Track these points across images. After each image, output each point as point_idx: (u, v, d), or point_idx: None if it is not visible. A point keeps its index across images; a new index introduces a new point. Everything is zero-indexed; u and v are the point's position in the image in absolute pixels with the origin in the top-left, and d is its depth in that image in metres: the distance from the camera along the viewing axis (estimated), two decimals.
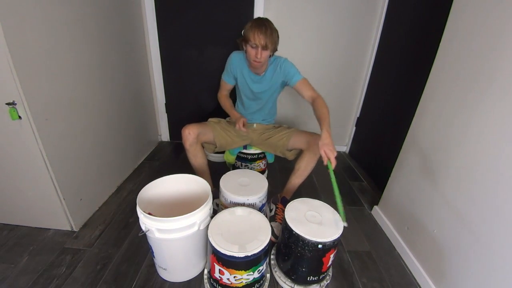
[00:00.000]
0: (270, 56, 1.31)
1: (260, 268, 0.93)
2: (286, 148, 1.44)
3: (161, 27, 1.93)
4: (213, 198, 1.39)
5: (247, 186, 1.23)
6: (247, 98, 1.46)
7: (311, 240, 0.92)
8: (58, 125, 1.15)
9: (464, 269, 0.93)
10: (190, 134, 1.30)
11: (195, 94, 2.18)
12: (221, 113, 1.62)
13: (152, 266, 1.12)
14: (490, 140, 0.86)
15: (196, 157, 1.38)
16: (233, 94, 1.58)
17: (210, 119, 1.53)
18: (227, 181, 1.26)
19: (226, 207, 1.21)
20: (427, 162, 1.16)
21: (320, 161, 2.13)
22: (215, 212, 1.38)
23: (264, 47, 1.18)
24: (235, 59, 1.38)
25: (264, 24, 1.18)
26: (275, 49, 1.26)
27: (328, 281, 1.10)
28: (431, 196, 1.12)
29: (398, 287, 1.12)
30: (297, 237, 0.95)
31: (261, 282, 1.02)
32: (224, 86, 1.50)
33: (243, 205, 1.16)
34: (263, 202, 1.24)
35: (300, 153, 1.38)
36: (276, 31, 1.22)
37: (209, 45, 1.98)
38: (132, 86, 1.81)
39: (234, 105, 1.58)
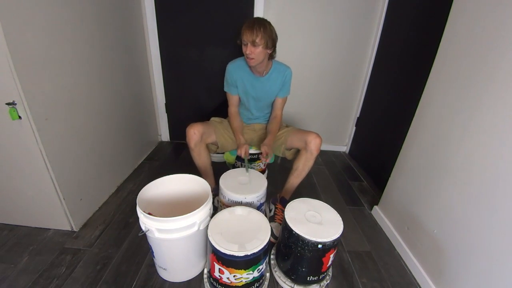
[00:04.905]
0: (271, 55, 1.31)
1: (260, 267, 0.93)
2: (285, 147, 1.44)
3: (161, 27, 1.93)
4: (215, 195, 1.42)
5: (246, 185, 1.23)
6: (248, 101, 1.46)
7: (311, 240, 0.92)
8: (58, 125, 1.15)
9: (463, 269, 0.93)
10: (195, 133, 1.29)
11: (195, 94, 2.18)
12: (221, 113, 1.62)
13: (152, 266, 1.12)
14: (490, 140, 0.86)
15: (200, 156, 1.38)
16: None
17: (212, 119, 1.53)
18: (227, 179, 1.26)
19: (224, 204, 1.21)
20: (427, 162, 1.16)
21: (319, 161, 2.14)
22: (216, 209, 1.39)
23: (253, 43, 1.18)
24: (231, 68, 1.39)
25: (253, 22, 1.19)
26: (270, 46, 1.24)
27: (328, 281, 1.10)
28: (431, 196, 1.12)
29: (398, 287, 1.12)
30: (297, 237, 0.95)
31: (261, 281, 1.02)
32: (230, 98, 1.47)
33: (240, 203, 1.16)
34: (261, 201, 1.24)
35: (298, 152, 1.38)
36: (271, 28, 1.22)
37: (209, 45, 1.98)
38: (132, 86, 1.81)
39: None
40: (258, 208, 1.23)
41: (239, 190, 1.18)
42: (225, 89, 1.45)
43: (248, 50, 1.20)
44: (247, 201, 1.17)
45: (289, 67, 1.40)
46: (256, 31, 1.16)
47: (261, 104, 1.47)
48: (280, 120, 1.50)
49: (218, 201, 1.43)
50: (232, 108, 1.48)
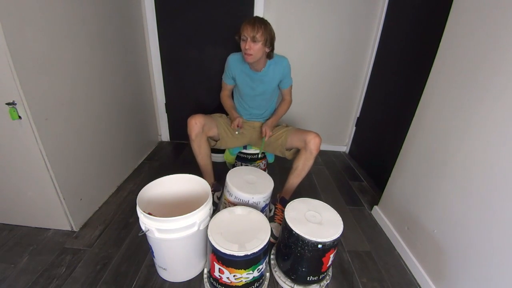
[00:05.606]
0: (269, 54, 1.31)
1: (260, 267, 0.93)
2: (285, 147, 1.44)
3: (161, 27, 1.93)
4: (215, 191, 1.43)
5: (253, 184, 1.22)
6: (246, 96, 1.47)
7: (311, 240, 0.92)
8: (58, 125, 1.15)
9: (463, 269, 0.93)
10: (197, 123, 1.30)
11: (195, 94, 2.18)
12: (222, 113, 1.62)
13: (152, 266, 1.12)
14: (490, 140, 0.86)
15: (201, 148, 1.38)
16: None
17: (213, 114, 1.53)
18: (234, 176, 1.25)
19: (230, 202, 1.21)
20: (427, 162, 1.16)
21: (319, 161, 2.14)
22: (215, 205, 1.40)
23: (253, 39, 1.20)
24: (232, 60, 1.41)
25: (254, 19, 1.22)
26: (269, 45, 1.26)
27: (328, 281, 1.10)
28: (431, 196, 1.12)
29: (398, 287, 1.12)
30: (297, 237, 0.95)
31: (261, 281, 1.02)
32: (224, 86, 1.53)
33: (247, 202, 1.16)
34: (267, 202, 1.24)
35: (297, 152, 1.38)
36: (270, 28, 1.25)
37: (209, 45, 1.98)
38: (132, 86, 1.81)
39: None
40: (263, 208, 1.23)
41: (247, 189, 1.17)
42: (223, 78, 1.50)
43: (247, 45, 1.21)
44: (254, 201, 1.16)
45: (285, 57, 1.40)
46: (257, 27, 1.18)
47: (260, 98, 1.47)
48: (289, 104, 1.55)
49: (217, 197, 1.44)
50: (225, 92, 1.54)
